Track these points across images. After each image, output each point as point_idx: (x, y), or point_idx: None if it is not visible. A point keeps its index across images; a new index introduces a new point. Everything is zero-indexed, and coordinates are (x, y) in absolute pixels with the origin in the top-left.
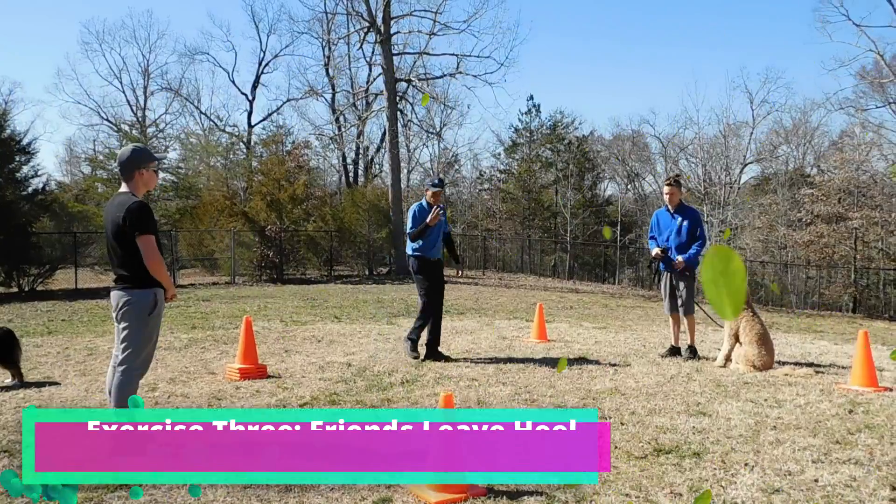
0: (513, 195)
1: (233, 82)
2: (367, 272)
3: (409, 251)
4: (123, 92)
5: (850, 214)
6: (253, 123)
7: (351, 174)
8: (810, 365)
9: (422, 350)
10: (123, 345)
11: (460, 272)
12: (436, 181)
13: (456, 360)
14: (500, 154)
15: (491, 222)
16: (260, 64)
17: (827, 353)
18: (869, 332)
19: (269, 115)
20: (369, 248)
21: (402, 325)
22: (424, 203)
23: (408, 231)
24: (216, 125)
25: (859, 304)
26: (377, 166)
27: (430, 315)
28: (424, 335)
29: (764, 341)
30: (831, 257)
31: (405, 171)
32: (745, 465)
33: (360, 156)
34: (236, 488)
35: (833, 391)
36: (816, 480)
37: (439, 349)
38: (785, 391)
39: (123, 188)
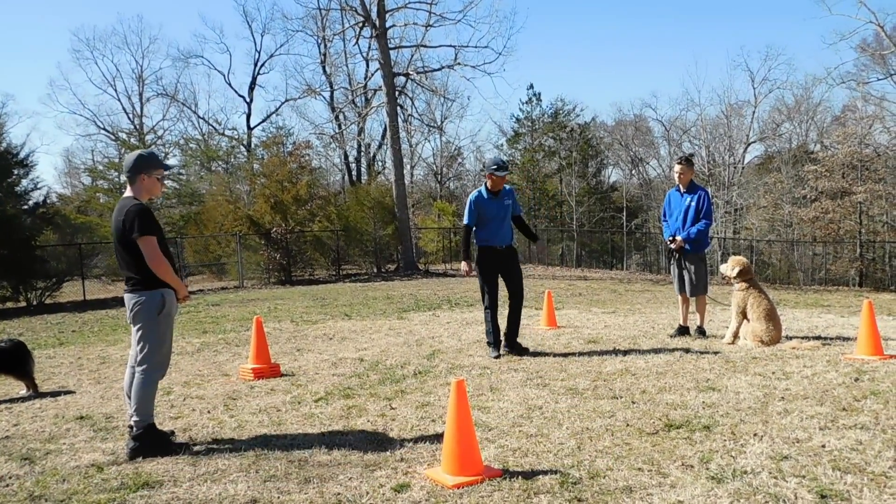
0: (517, 185)
1: (229, 85)
2: (375, 270)
3: (474, 240)
4: (119, 100)
5: (854, 189)
6: (252, 126)
7: (354, 172)
8: (817, 338)
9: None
10: (139, 346)
11: (542, 249)
12: (500, 161)
13: (538, 355)
14: (502, 145)
15: None
16: (255, 65)
17: (833, 326)
18: (875, 303)
19: (268, 116)
20: (376, 246)
21: (412, 320)
22: (483, 191)
23: (464, 223)
24: (215, 129)
25: (866, 277)
26: (380, 163)
27: (490, 307)
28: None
29: (771, 317)
30: (837, 232)
31: (408, 166)
32: (755, 435)
33: (362, 153)
34: (256, 481)
35: (839, 361)
36: (823, 446)
37: (518, 341)
38: (792, 364)
39: (127, 192)
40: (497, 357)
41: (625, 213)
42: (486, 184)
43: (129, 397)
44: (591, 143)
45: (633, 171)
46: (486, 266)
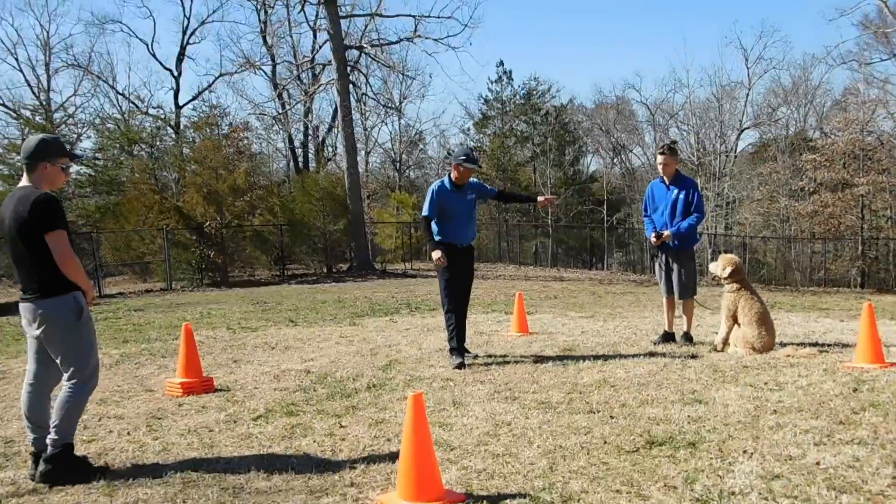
0: (486, 175)
1: (153, 56)
2: (324, 270)
3: (433, 237)
4: (21, 70)
5: (855, 180)
6: (181, 104)
7: (300, 158)
8: (814, 344)
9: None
10: (65, 364)
11: (553, 200)
12: (469, 152)
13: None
14: (469, 129)
15: None
16: (184, 33)
17: (832, 331)
18: (877, 307)
19: (200, 93)
20: (326, 243)
21: (366, 326)
22: (447, 182)
23: (422, 215)
24: (137, 107)
25: (868, 277)
26: (330, 148)
27: (454, 311)
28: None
29: (764, 321)
30: (837, 228)
31: (362, 152)
32: (744, 452)
33: (310, 137)
34: None
35: (837, 370)
36: (818, 463)
37: (465, 346)
38: (786, 373)
39: (24, 181)
40: (460, 364)
41: (605, 207)
42: (450, 174)
43: (29, 420)
44: (568, 127)
45: (615, 160)
46: (446, 264)
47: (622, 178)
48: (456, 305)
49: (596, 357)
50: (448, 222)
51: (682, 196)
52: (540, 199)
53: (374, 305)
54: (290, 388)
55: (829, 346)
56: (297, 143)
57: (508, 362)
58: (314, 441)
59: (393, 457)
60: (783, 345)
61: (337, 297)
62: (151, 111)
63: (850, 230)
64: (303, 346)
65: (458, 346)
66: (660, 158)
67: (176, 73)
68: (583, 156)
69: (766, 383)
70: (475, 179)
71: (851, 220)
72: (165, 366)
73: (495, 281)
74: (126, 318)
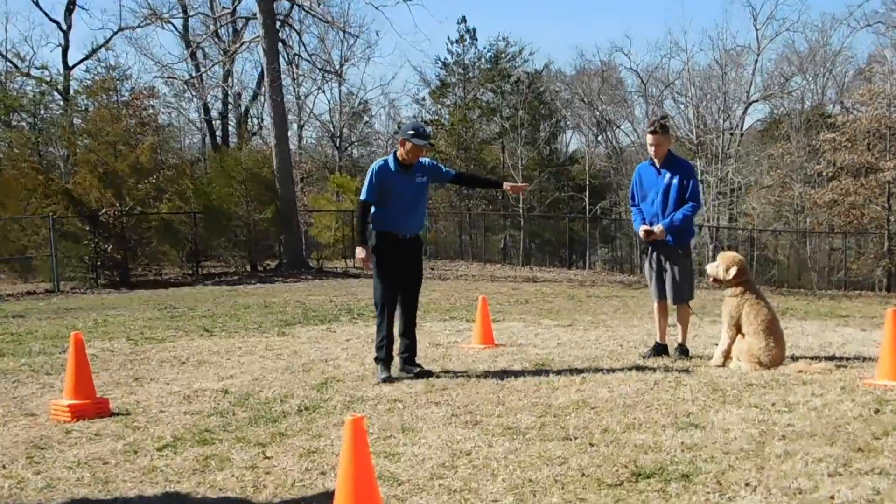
0: (444, 154)
1: (36, 4)
2: (247, 268)
3: (371, 225)
4: None
5: (881, 164)
6: (71, 64)
7: (218, 132)
8: (830, 358)
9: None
10: None
11: (524, 187)
12: (420, 127)
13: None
14: (424, 99)
15: None
16: None
17: (852, 343)
18: None
19: (95, 50)
20: (250, 235)
21: (298, 337)
22: (391, 161)
23: (360, 199)
24: (16, 67)
25: (895, 278)
26: (254, 120)
27: (386, 314)
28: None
29: (772, 331)
30: (860, 220)
31: (294, 125)
32: (747, 485)
33: (230, 106)
34: None
35: (856, 388)
36: (832, 497)
37: (416, 361)
38: (797, 392)
39: None
40: (387, 379)
41: (587, 194)
42: (395, 151)
43: None
44: (543, 98)
45: (600, 138)
46: (382, 258)
47: (608, 160)
48: (392, 307)
49: (574, 373)
50: (389, 208)
51: (675, 182)
52: (506, 185)
53: (308, 311)
54: (204, 411)
55: (847, 359)
56: (214, 114)
57: (470, 380)
58: (232, 475)
59: (328, 494)
60: (794, 358)
61: (263, 301)
62: (34, 72)
63: (874, 223)
64: (220, 361)
65: (385, 355)
66: (650, 138)
67: (65, 27)
68: (561, 132)
69: (773, 404)
70: (428, 159)
71: (876, 211)
72: (50, 384)
73: (455, 282)
74: (2, 325)
